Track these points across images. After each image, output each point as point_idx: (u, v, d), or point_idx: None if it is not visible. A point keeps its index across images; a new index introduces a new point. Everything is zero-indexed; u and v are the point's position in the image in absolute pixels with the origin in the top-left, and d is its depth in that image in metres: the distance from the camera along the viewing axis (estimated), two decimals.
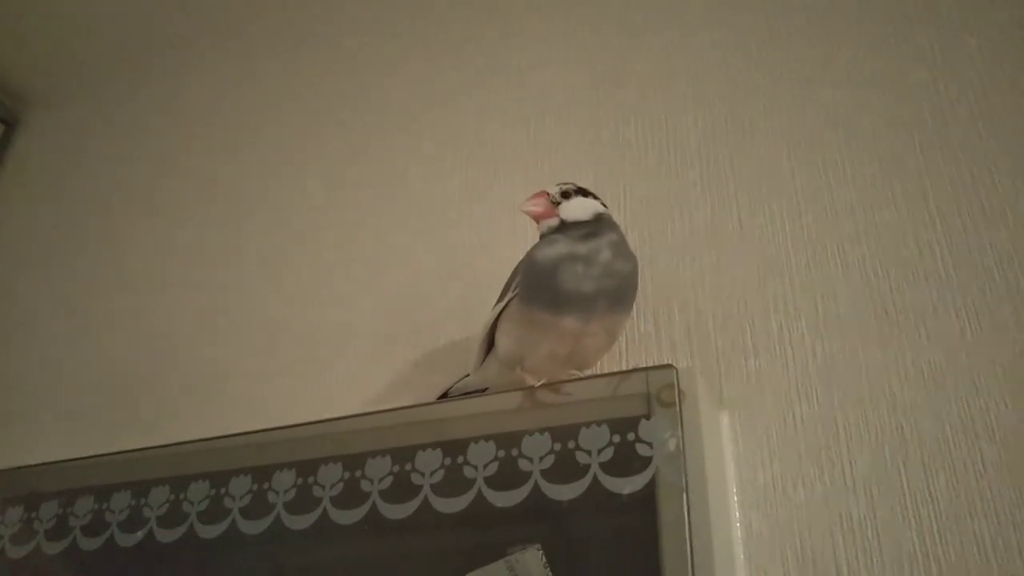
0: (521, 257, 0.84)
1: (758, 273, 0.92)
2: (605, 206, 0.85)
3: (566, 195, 0.84)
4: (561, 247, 0.79)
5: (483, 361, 0.91)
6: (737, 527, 0.79)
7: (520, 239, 1.06)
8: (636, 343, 0.93)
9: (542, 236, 0.84)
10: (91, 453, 1.03)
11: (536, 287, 0.79)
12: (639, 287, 0.84)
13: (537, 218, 0.84)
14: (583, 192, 0.85)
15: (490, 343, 0.88)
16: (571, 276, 0.77)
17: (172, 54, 1.73)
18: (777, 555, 0.76)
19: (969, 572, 0.70)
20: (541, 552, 0.71)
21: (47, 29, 1.73)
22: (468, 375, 0.94)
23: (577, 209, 0.83)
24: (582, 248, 0.78)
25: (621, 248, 0.80)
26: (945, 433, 0.76)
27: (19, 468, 1.06)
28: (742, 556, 0.77)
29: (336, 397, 1.11)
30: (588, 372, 0.82)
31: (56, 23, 1.72)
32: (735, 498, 0.80)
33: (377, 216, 1.25)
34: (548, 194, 0.84)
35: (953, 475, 0.74)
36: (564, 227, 0.82)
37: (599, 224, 0.82)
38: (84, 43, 1.76)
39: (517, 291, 0.81)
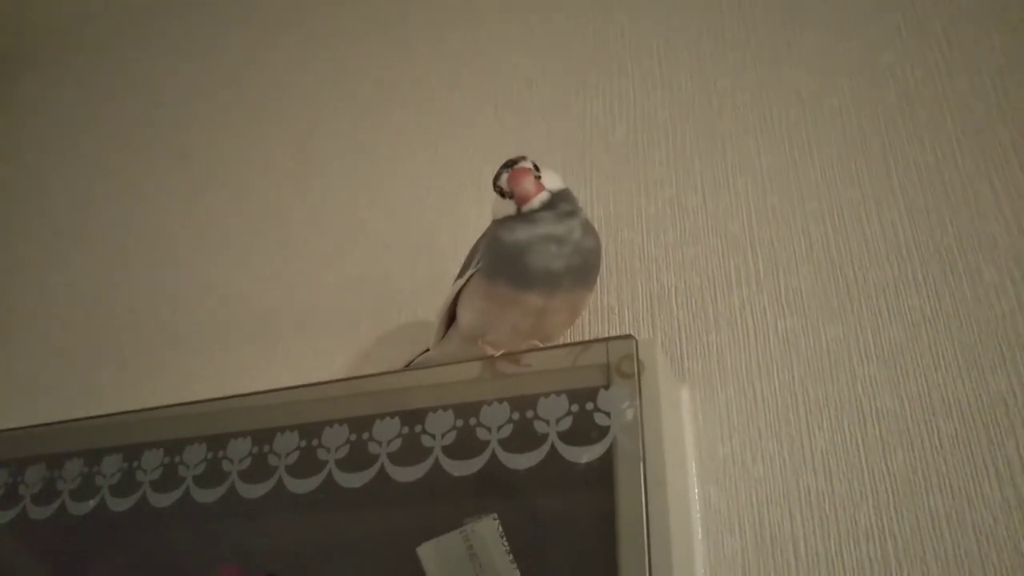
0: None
1: (721, 249, 0.92)
2: None
3: (536, 168, 0.81)
4: (541, 227, 0.76)
5: (444, 335, 0.90)
6: (696, 500, 0.79)
7: (486, 216, 1.05)
8: (599, 317, 0.93)
9: (520, 213, 0.78)
10: (46, 421, 1.01)
11: (501, 264, 0.77)
12: (603, 262, 0.83)
13: (530, 195, 0.78)
14: (536, 166, 0.82)
15: (451, 317, 0.87)
16: (544, 255, 0.75)
17: (138, 24, 1.70)
18: (735, 528, 0.77)
19: (924, 547, 0.70)
20: (497, 522, 0.71)
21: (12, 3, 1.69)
22: (428, 349, 0.93)
23: (555, 180, 0.81)
24: (560, 228, 0.76)
25: (587, 226, 0.80)
26: (903, 409, 0.77)
27: None
28: (700, 529, 0.77)
29: (298, 370, 1.10)
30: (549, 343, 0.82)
31: None
32: (694, 471, 0.80)
33: (344, 191, 1.24)
34: (530, 170, 0.79)
35: (911, 450, 0.75)
36: (551, 202, 0.78)
37: (572, 199, 0.80)
38: (49, 10, 1.73)
39: (480, 266, 0.80)
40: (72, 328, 1.35)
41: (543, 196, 0.78)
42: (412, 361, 0.95)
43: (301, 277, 1.19)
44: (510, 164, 0.81)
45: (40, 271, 1.47)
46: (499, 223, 0.80)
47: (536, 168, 0.80)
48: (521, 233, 0.77)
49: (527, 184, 0.78)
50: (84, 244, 1.46)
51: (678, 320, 0.89)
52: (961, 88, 0.90)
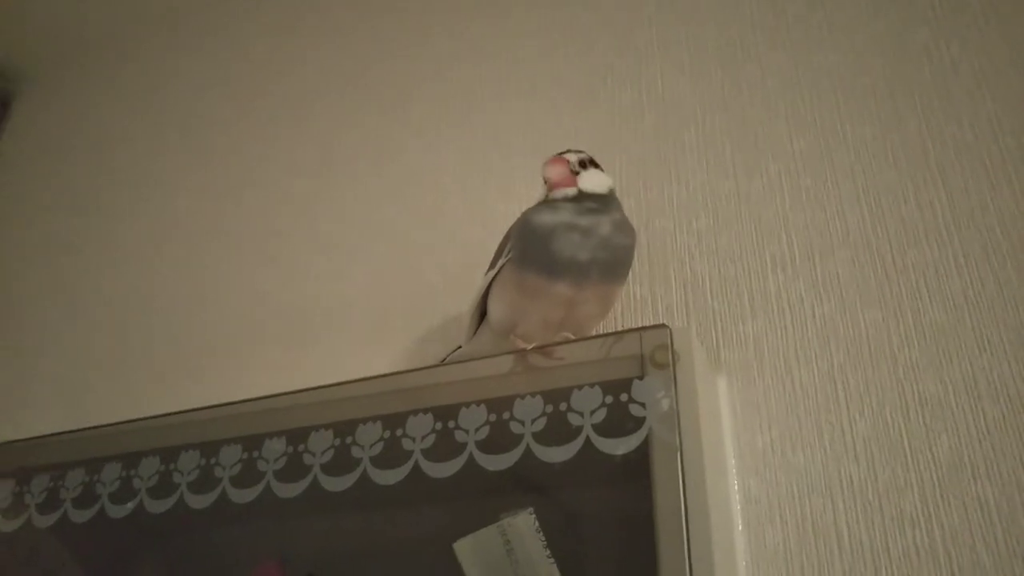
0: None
1: (755, 236, 0.90)
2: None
3: (583, 165, 0.81)
4: (563, 215, 0.76)
5: (476, 331, 0.89)
6: (735, 491, 0.77)
7: (514, 210, 1.04)
8: (631, 307, 0.92)
9: (546, 200, 0.80)
10: (83, 426, 1.02)
11: (530, 251, 0.77)
12: (636, 253, 0.82)
13: (556, 185, 0.79)
14: (594, 163, 0.82)
15: (482, 313, 0.87)
16: (567, 243, 0.75)
17: (164, 29, 1.72)
18: (777, 519, 0.75)
19: (973, 534, 0.68)
20: (534, 516, 0.70)
21: (40, 5, 1.71)
22: (460, 346, 0.93)
23: (594, 181, 0.80)
24: (584, 220, 0.76)
25: (622, 224, 0.79)
26: (947, 394, 0.75)
27: (10, 443, 1.05)
28: (740, 520, 0.76)
29: (329, 369, 1.10)
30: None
31: (41, 2, 1.70)
32: (733, 462, 0.79)
33: (370, 188, 1.24)
34: (568, 162, 0.80)
35: (956, 436, 0.73)
36: (577, 197, 0.78)
37: (607, 201, 0.79)
38: (77, 20, 1.75)
39: (510, 255, 0.79)
40: (106, 333, 1.36)
41: (569, 191, 0.78)
42: (445, 358, 0.94)
43: (331, 276, 1.19)
44: (561, 152, 0.82)
45: (74, 277, 1.49)
46: (527, 210, 0.80)
47: (584, 165, 0.81)
48: (546, 217, 0.77)
49: (556, 172, 0.79)
50: (115, 247, 1.47)
51: (713, 309, 0.88)
52: (999, 64, 0.88)
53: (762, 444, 0.79)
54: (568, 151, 0.82)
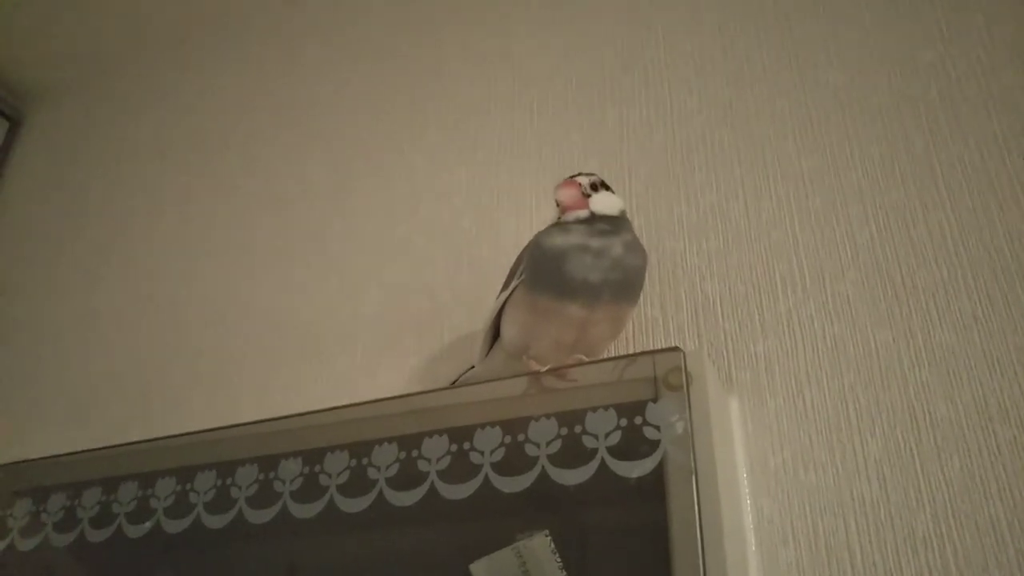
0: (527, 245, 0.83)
1: (765, 256, 0.91)
2: None
3: (594, 187, 0.83)
4: (574, 237, 0.78)
5: (488, 351, 0.90)
6: (748, 511, 0.78)
7: (526, 228, 1.05)
8: (643, 328, 0.92)
9: (558, 223, 0.82)
10: (99, 445, 1.02)
11: (542, 272, 0.78)
12: (646, 273, 0.83)
13: (568, 208, 0.81)
14: (607, 187, 0.84)
15: (495, 333, 0.88)
16: (579, 265, 0.76)
17: (175, 47, 1.73)
18: (789, 539, 0.76)
19: (986, 555, 0.69)
20: (549, 538, 0.71)
21: (50, 25, 1.73)
22: (473, 367, 0.93)
23: (606, 203, 0.81)
24: (596, 242, 0.77)
25: (633, 245, 0.80)
26: (958, 415, 0.75)
27: (27, 461, 1.06)
28: (753, 540, 0.76)
29: (343, 388, 1.10)
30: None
31: (59, 19, 1.71)
32: (745, 483, 0.79)
33: (383, 207, 1.25)
34: (580, 184, 0.82)
35: (967, 457, 0.73)
36: (589, 219, 0.80)
37: (619, 223, 0.81)
38: (88, 40, 1.77)
39: (523, 277, 0.81)
40: (118, 351, 1.37)
41: (581, 213, 0.80)
42: (458, 379, 0.95)
43: (343, 294, 1.19)
44: (573, 175, 0.84)
45: (84, 296, 1.50)
46: (539, 233, 0.82)
47: (596, 187, 0.82)
48: (558, 239, 0.78)
49: (568, 195, 0.81)
50: (127, 267, 1.48)
51: (724, 330, 0.89)
52: (1005, 83, 0.89)
53: (774, 464, 0.79)
54: (580, 174, 0.83)
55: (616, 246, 0.77)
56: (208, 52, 1.68)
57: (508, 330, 0.83)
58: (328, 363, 1.14)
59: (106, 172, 1.67)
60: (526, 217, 1.08)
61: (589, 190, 0.82)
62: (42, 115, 1.88)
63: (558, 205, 0.82)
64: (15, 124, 1.86)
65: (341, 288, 1.21)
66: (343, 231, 1.27)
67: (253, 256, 1.34)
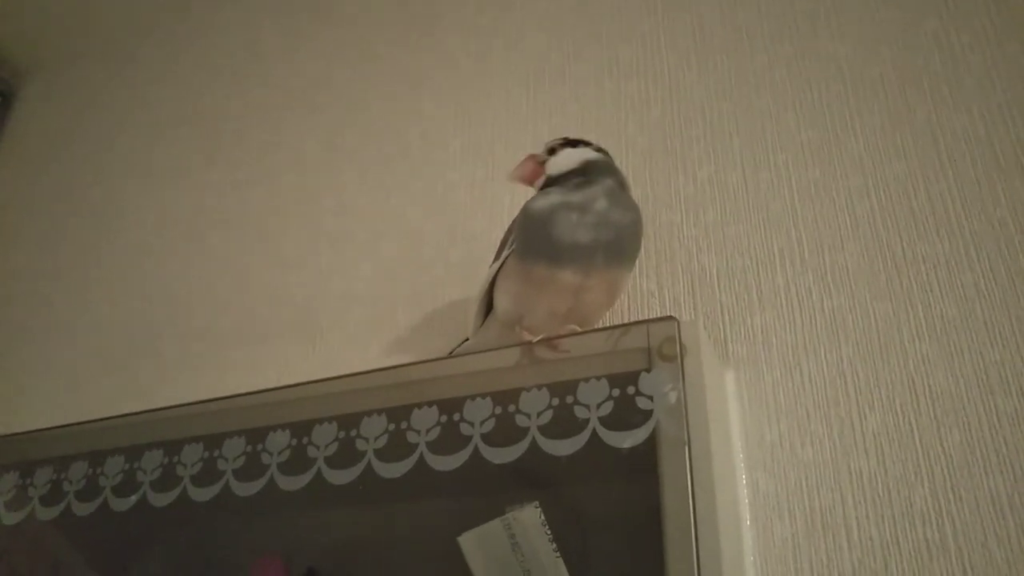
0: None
1: (763, 228, 0.89)
2: (602, 151, 0.83)
3: (552, 151, 0.83)
4: (554, 197, 0.77)
5: (482, 323, 0.88)
6: (743, 485, 0.76)
7: (520, 200, 1.03)
8: (638, 301, 0.91)
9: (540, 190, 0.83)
10: (88, 419, 1.01)
11: (532, 239, 0.77)
12: (642, 245, 0.81)
13: (526, 182, 0.84)
14: (572, 143, 0.82)
15: (489, 305, 0.86)
16: (566, 225, 0.74)
17: (167, 20, 1.71)
18: (785, 514, 0.74)
19: (984, 529, 0.68)
20: (539, 510, 0.69)
21: (39, 1, 1.71)
22: (467, 339, 0.92)
23: (562, 162, 0.82)
24: (575, 197, 0.76)
25: (619, 197, 0.78)
26: (958, 387, 0.74)
27: (13, 435, 1.05)
28: (748, 514, 0.75)
29: (335, 362, 1.09)
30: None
31: None
32: (741, 456, 0.78)
33: (377, 180, 1.23)
34: (535, 156, 0.84)
35: (967, 430, 0.72)
36: (556, 180, 0.81)
37: (592, 171, 0.80)
38: (80, 14, 1.74)
39: (513, 246, 0.79)
40: (109, 326, 1.36)
41: (539, 183, 0.83)
42: (452, 351, 0.94)
43: (336, 268, 1.18)
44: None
45: (76, 270, 1.48)
46: (528, 200, 0.81)
47: (555, 149, 0.83)
48: (540, 202, 0.78)
49: (519, 172, 0.85)
50: (119, 242, 1.47)
51: (721, 302, 0.87)
52: (1011, 53, 0.87)
53: (771, 438, 0.78)
54: (550, 143, 0.85)
55: (599, 198, 0.76)
56: (201, 27, 1.66)
57: (501, 300, 0.82)
58: (321, 338, 1.13)
59: (98, 147, 1.65)
60: (521, 191, 1.05)
61: (546, 156, 0.83)
62: (35, 90, 1.86)
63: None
64: (7, 99, 1.85)
65: (334, 262, 1.19)
66: (336, 205, 1.25)
67: (245, 231, 1.32)
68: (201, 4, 1.68)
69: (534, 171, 0.83)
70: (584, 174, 0.79)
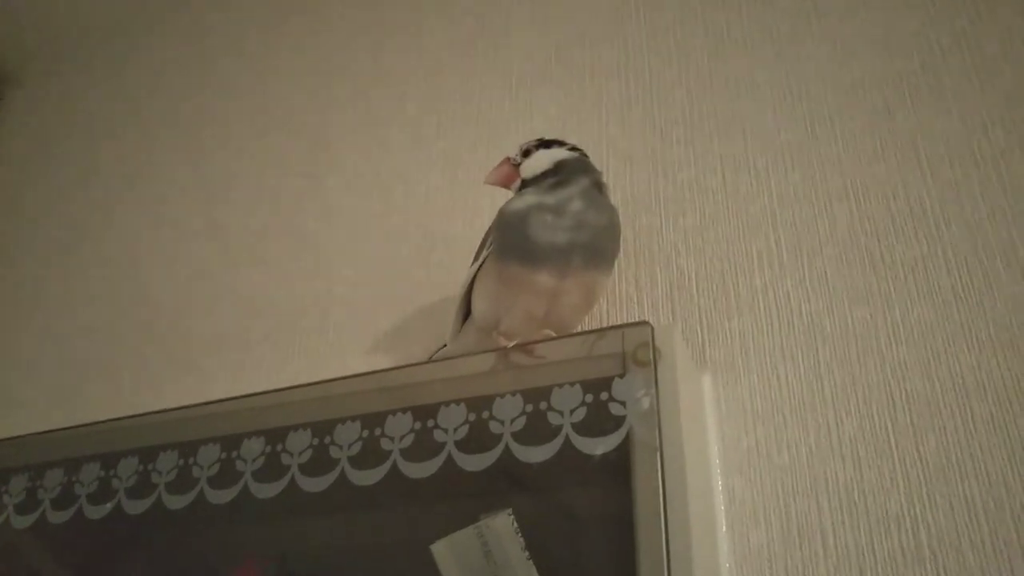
0: None
1: (742, 232, 0.89)
2: (576, 150, 0.82)
3: (526, 153, 0.83)
4: (529, 198, 0.77)
5: (460, 328, 0.88)
6: (719, 492, 0.76)
7: (501, 203, 1.03)
8: (616, 305, 0.90)
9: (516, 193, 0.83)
10: (67, 425, 1.00)
11: (508, 241, 0.76)
12: (620, 248, 0.81)
13: (501, 184, 0.84)
14: (545, 144, 0.82)
15: (467, 311, 0.86)
16: (541, 226, 0.74)
17: (153, 26, 1.70)
18: (761, 520, 0.74)
19: (959, 535, 0.67)
20: (512, 517, 0.69)
21: (26, 5, 1.70)
22: (445, 344, 0.91)
23: (536, 163, 0.82)
24: (550, 198, 0.76)
25: (594, 198, 0.78)
26: (935, 392, 0.73)
27: None
28: (723, 521, 0.74)
29: (316, 368, 1.08)
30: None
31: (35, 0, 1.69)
32: (717, 462, 0.77)
33: (358, 184, 1.22)
34: (510, 158, 0.84)
35: (943, 435, 0.71)
36: (531, 182, 0.81)
37: (565, 171, 0.79)
38: (66, 19, 1.74)
39: (491, 248, 0.79)
40: (91, 332, 1.35)
41: (514, 184, 0.83)
42: (431, 357, 0.93)
43: (317, 273, 1.17)
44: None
45: (61, 276, 1.47)
46: (505, 202, 0.81)
47: (529, 151, 0.83)
48: (516, 204, 0.78)
49: (490, 174, 0.85)
50: (102, 247, 1.46)
51: (699, 306, 0.86)
52: (990, 55, 0.86)
53: (747, 444, 0.77)
54: (524, 145, 0.85)
55: (574, 199, 0.76)
56: (185, 33, 1.66)
57: (479, 304, 0.81)
58: (301, 343, 1.12)
59: (83, 151, 1.64)
60: (502, 195, 1.05)
61: (520, 159, 0.83)
62: (20, 95, 1.85)
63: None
64: None
65: (315, 267, 1.18)
66: (318, 209, 1.24)
67: (226, 234, 1.31)
68: (185, 11, 1.67)
69: (509, 174, 0.83)
70: (558, 174, 0.79)
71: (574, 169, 0.80)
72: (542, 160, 0.81)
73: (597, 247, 0.76)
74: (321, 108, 1.35)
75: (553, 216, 0.74)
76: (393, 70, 1.31)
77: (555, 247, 0.74)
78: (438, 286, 1.05)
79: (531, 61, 1.16)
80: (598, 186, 0.80)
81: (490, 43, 1.22)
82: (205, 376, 1.17)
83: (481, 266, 0.80)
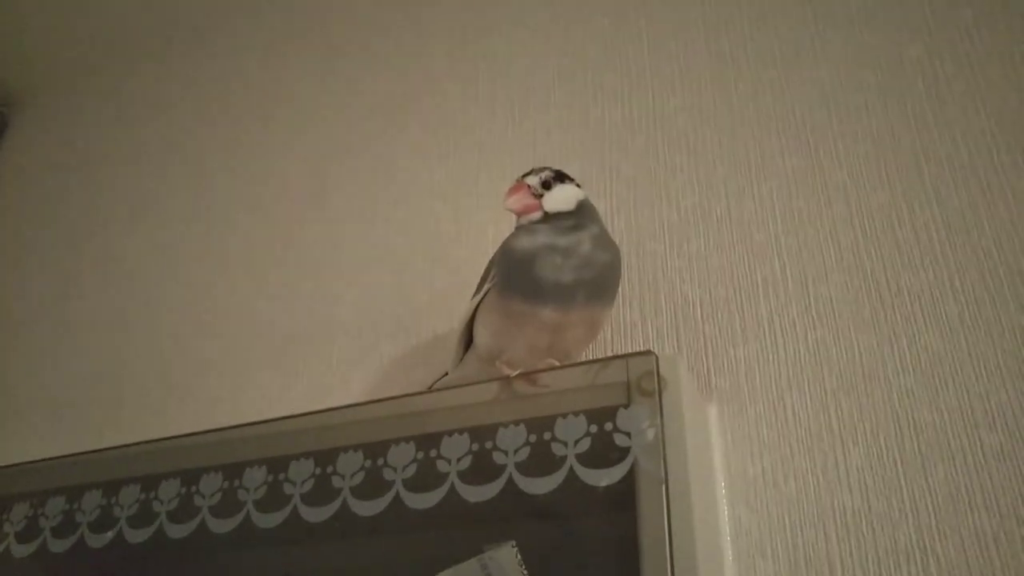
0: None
1: (747, 259, 0.88)
2: (579, 186, 0.81)
3: (547, 185, 0.80)
4: (541, 237, 0.75)
5: (462, 357, 0.87)
6: (726, 522, 0.75)
7: (505, 230, 1.02)
8: (620, 333, 0.90)
9: (519, 226, 0.80)
10: (69, 452, 1.00)
11: (513, 277, 0.76)
12: (624, 275, 0.80)
13: (522, 214, 0.80)
14: (561, 177, 0.81)
15: (469, 338, 0.85)
16: (549, 267, 0.73)
17: (158, 52, 1.71)
18: (768, 551, 0.73)
19: (970, 568, 0.66)
20: (516, 550, 0.68)
21: (34, 29, 1.71)
22: (447, 373, 0.91)
23: (560, 199, 0.79)
24: (563, 241, 0.75)
25: (602, 239, 0.77)
26: (943, 422, 0.72)
27: None
28: (730, 552, 0.73)
29: (317, 395, 1.08)
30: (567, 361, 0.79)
31: (43, 22, 1.69)
32: (723, 492, 0.77)
33: (362, 209, 1.22)
34: (529, 186, 0.80)
35: (952, 466, 0.70)
36: (550, 219, 0.78)
37: (582, 215, 0.78)
38: (73, 43, 1.74)
39: (494, 281, 0.78)
40: (91, 357, 1.35)
41: (534, 216, 0.79)
42: (432, 385, 0.93)
43: (319, 298, 1.17)
44: (526, 174, 0.81)
45: (58, 299, 1.47)
46: (511, 234, 0.80)
47: (550, 183, 0.80)
48: (524, 241, 0.76)
49: (514, 199, 0.79)
50: (102, 271, 1.46)
51: (704, 334, 0.86)
52: (993, 79, 0.86)
53: (753, 473, 0.77)
54: (531, 173, 0.81)
55: (584, 242, 0.75)
56: (187, 56, 1.66)
57: (481, 335, 0.81)
58: (303, 369, 1.12)
59: (89, 175, 1.65)
60: (506, 219, 1.04)
61: (540, 189, 0.80)
62: (27, 118, 1.86)
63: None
64: (1, 126, 1.85)
65: (317, 292, 1.18)
66: (320, 234, 1.24)
67: (229, 260, 1.31)
68: (189, 36, 1.68)
69: (530, 204, 0.79)
70: (576, 216, 0.78)
71: (589, 213, 0.79)
72: (567, 197, 0.79)
73: (600, 283, 0.76)
74: (323, 133, 1.36)
75: (562, 258, 0.74)
76: (395, 96, 1.31)
77: (560, 285, 0.73)
78: (442, 312, 1.05)
79: (534, 87, 1.16)
80: (604, 230, 0.79)
81: (491, 69, 1.22)
82: (207, 403, 1.17)
83: (484, 297, 0.80)
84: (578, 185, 0.82)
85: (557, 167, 0.83)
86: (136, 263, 1.43)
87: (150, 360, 1.28)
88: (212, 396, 1.17)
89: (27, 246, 1.62)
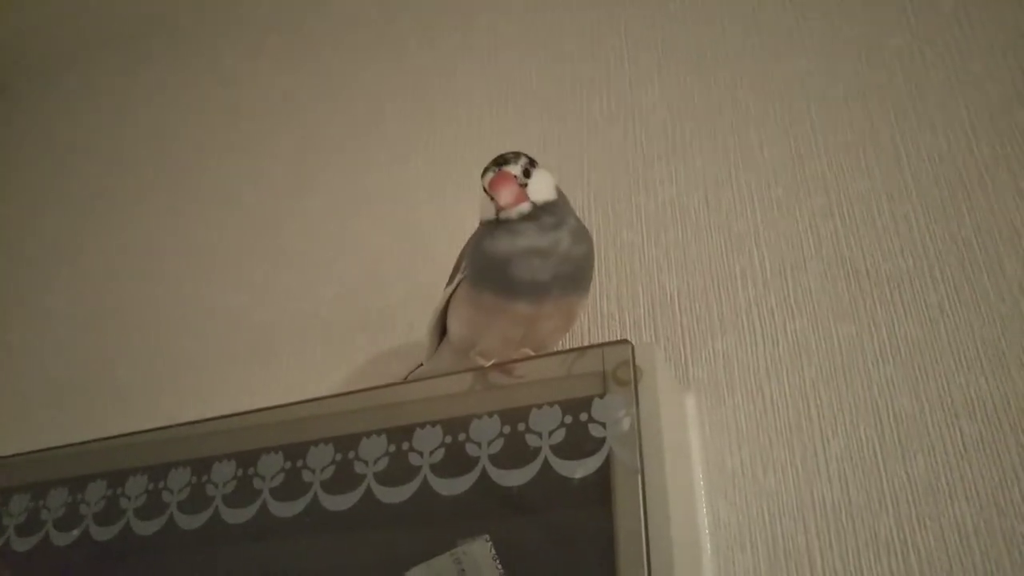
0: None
1: (725, 248, 0.87)
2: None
3: (527, 173, 0.75)
4: (523, 240, 0.71)
5: (436, 348, 0.85)
6: (704, 515, 0.74)
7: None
8: (598, 324, 0.88)
9: (502, 221, 0.74)
10: (45, 447, 0.97)
11: (485, 274, 0.73)
12: (602, 266, 0.79)
13: (511, 207, 0.73)
14: (532, 161, 0.76)
15: (443, 330, 0.83)
16: (527, 268, 0.71)
17: (128, 44, 1.68)
18: (747, 544, 0.72)
19: (950, 558, 0.65)
20: (490, 544, 0.67)
21: (7, 20, 1.68)
22: (422, 364, 0.89)
23: (542, 188, 0.75)
24: (544, 241, 0.71)
25: (578, 232, 0.74)
26: (923, 411, 0.72)
27: None
28: (708, 545, 0.72)
29: (296, 388, 1.06)
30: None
31: (10, 16, 1.67)
32: (701, 484, 0.75)
33: (338, 201, 1.21)
34: (514, 177, 0.74)
35: (932, 456, 0.70)
36: (531, 215, 0.73)
37: (561, 206, 0.75)
38: (45, 35, 1.72)
39: (466, 273, 0.76)
40: (66, 352, 1.32)
41: (524, 208, 0.73)
42: (406, 377, 0.91)
43: (297, 290, 1.15)
44: (500, 162, 0.75)
45: (33, 294, 1.45)
46: (483, 229, 0.76)
47: (529, 170, 0.75)
48: (503, 243, 0.72)
49: (507, 193, 0.73)
50: (77, 266, 1.43)
51: (681, 324, 0.85)
52: (974, 70, 0.86)
53: (731, 465, 0.75)
54: (507, 161, 0.75)
55: (564, 240, 0.72)
56: (162, 49, 1.64)
57: (454, 326, 0.79)
58: (282, 363, 1.10)
59: (58, 169, 1.62)
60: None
61: (524, 179, 0.74)
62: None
63: (496, 203, 0.73)
64: None
65: (296, 286, 1.16)
66: (299, 228, 1.22)
67: (207, 254, 1.29)
68: (161, 28, 1.65)
69: (519, 196, 0.73)
70: (556, 208, 0.74)
71: (564, 201, 0.76)
72: (548, 185, 0.75)
73: (576, 275, 0.74)
74: (301, 126, 1.34)
75: (541, 260, 0.71)
76: (375, 88, 1.29)
77: (536, 283, 0.71)
78: (420, 304, 1.03)
79: (513, 78, 1.15)
80: (579, 222, 0.76)
81: (470, 60, 1.21)
82: (180, 397, 1.15)
83: (456, 288, 0.78)
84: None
85: (525, 152, 0.78)
86: (109, 256, 1.40)
87: (122, 354, 1.25)
88: (189, 390, 1.15)
89: (2, 241, 1.59)
